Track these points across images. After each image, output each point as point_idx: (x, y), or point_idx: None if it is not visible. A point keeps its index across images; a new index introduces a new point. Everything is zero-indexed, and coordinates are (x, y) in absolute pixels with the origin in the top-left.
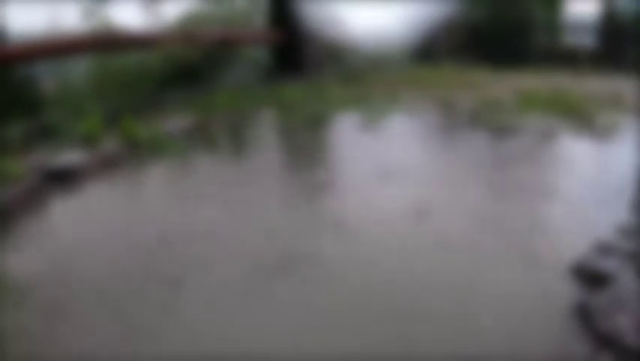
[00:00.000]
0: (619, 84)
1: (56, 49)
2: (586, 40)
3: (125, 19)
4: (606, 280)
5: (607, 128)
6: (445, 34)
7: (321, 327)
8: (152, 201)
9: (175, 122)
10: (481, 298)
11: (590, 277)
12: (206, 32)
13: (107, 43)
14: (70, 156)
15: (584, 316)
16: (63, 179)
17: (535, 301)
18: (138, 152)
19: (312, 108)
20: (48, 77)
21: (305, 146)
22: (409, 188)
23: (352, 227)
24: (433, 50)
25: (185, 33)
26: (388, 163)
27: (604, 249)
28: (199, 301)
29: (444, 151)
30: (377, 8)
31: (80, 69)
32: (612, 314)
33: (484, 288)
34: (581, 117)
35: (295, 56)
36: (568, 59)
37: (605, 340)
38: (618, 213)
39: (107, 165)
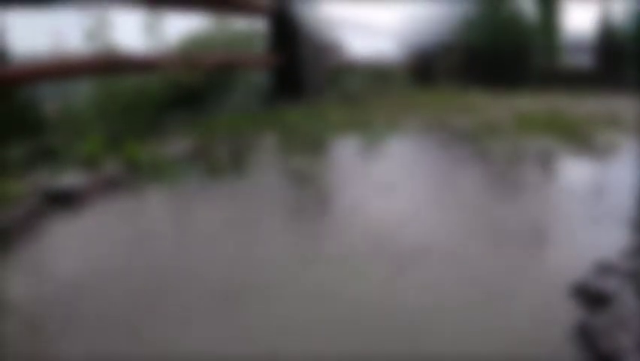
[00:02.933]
0: (617, 104)
1: (59, 70)
2: (584, 61)
3: (128, 41)
4: (607, 300)
5: (607, 148)
6: (443, 56)
7: None
8: (153, 228)
9: (176, 145)
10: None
11: (590, 297)
12: (207, 56)
13: (109, 66)
14: (71, 179)
15: (585, 336)
16: (64, 201)
17: (536, 322)
18: (139, 175)
19: (312, 132)
20: (50, 99)
21: (305, 174)
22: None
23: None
24: (432, 72)
25: (187, 57)
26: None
27: (604, 269)
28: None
29: (445, 185)
30: (376, 33)
31: (82, 91)
32: (613, 334)
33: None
34: (580, 138)
35: (295, 80)
36: (566, 79)
37: (606, 360)
38: (619, 233)
39: (109, 188)
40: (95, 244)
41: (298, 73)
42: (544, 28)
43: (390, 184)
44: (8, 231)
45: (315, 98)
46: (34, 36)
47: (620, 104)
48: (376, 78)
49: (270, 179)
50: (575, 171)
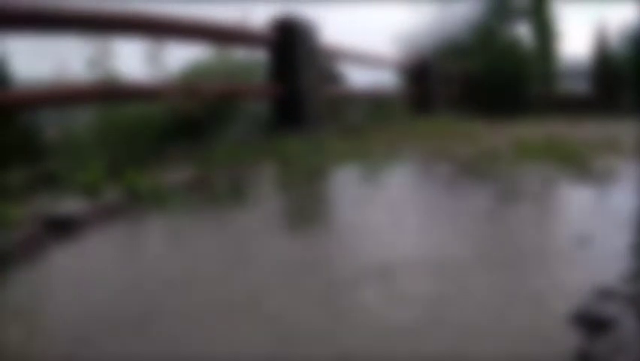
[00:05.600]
0: (615, 128)
1: (60, 97)
2: (581, 86)
3: (130, 70)
4: (607, 326)
5: (605, 174)
6: (442, 85)
7: None
8: (150, 257)
9: (176, 174)
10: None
11: (591, 323)
12: (207, 85)
13: (110, 94)
14: (71, 205)
15: None
16: (63, 228)
17: (537, 348)
18: (139, 204)
19: (313, 163)
20: (51, 125)
21: (303, 208)
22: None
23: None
24: (431, 101)
25: (188, 86)
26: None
27: (604, 294)
28: None
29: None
30: (376, 62)
31: (83, 118)
32: (613, 360)
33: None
34: (579, 164)
35: (295, 110)
36: (564, 105)
37: None
38: (619, 257)
39: (108, 216)
40: (92, 273)
41: (298, 103)
42: (541, 56)
43: (384, 231)
44: (7, 255)
45: (315, 128)
46: (36, 62)
47: (617, 129)
48: (376, 108)
49: (268, 213)
50: (575, 198)
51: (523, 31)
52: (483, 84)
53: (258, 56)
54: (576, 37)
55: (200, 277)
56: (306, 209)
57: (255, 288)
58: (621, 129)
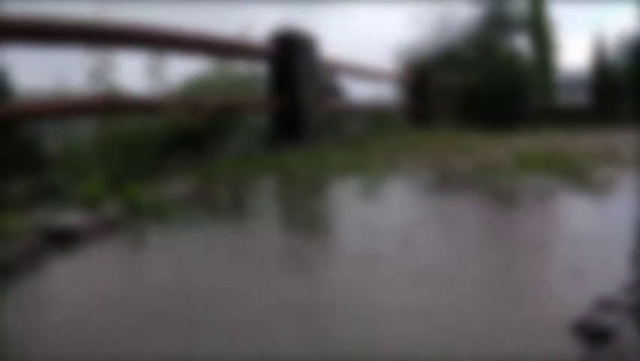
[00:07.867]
0: (614, 139)
1: (61, 109)
2: (580, 98)
3: (130, 83)
4: (608, 337)
5: (606, 185)
6: (441, 97)
7: None
8: (149, 271)
9: (176, 187)
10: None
11: (592, 334)
12: (208, 99)
13: (111, 106)
14: (71, 218)
15: None
16: (63, 240)
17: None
18: (139, 217)
19: (313, 176)
20: (52, 137)
21: (304, 223)
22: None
23: None
24: (431, 113)
25: (188, 99)
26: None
27: (605, 305)
28: None
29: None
30: (375, 76)
31: (84, 131)
32: None
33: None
34: (579, 176)
35: (295, 123)
36: (563, 116)
37: None
38: (619, 268)
39: (108, 229)
40: (91, 286)
41: (298, 116)
42: (540, 67)
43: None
44: (7, 267)
45: (315, 142)
46: (37, 75)
47: (616, 140)
48: (376, 120)
49: (268, 226)
50: (576, 210)
51: (522, 43)
52: (482, 96)
53: (258, 69)
54: (575, 49)
55: (193, 297)
56: (308, 226)
57: (251, 316)
58: (620, 140)
